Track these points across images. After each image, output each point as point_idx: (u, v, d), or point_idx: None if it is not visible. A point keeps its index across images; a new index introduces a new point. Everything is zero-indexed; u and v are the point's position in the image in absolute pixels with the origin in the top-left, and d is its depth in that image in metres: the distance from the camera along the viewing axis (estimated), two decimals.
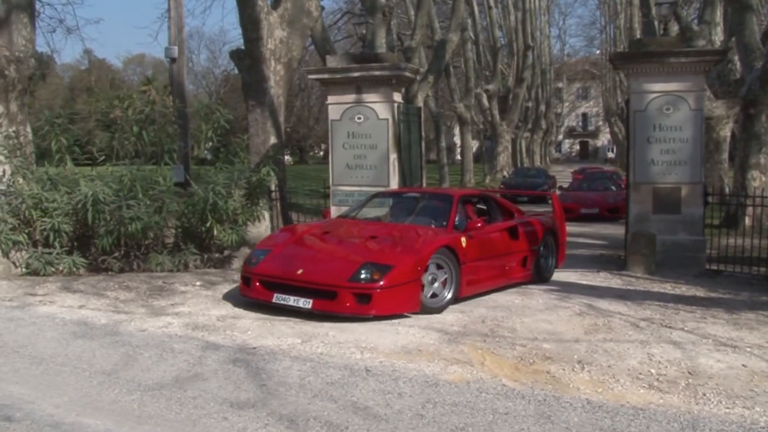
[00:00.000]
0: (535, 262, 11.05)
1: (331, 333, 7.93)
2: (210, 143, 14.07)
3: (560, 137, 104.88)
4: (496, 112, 43.51)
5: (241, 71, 15.65)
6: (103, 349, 7.32)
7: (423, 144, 15.64)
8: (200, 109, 14.13)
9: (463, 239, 9.50)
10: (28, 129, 13.16)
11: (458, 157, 57.04)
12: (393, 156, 13.44)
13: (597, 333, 8.02)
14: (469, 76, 37.96)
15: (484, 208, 11.60)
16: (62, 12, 50.64)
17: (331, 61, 14.07)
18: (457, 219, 10.20)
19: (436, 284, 9.09)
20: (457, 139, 62.08)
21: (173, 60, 17.98)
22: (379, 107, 13.37)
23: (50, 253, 11.37)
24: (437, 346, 7.44)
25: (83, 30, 71.12)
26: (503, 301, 9.69)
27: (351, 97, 13.52)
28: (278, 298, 8.81)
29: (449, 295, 9.17)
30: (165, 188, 12.24)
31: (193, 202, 12.33)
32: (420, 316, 8.77)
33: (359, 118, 13.46)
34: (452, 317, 8.74)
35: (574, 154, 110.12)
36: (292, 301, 8.69)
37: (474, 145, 52.60)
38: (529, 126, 57.62)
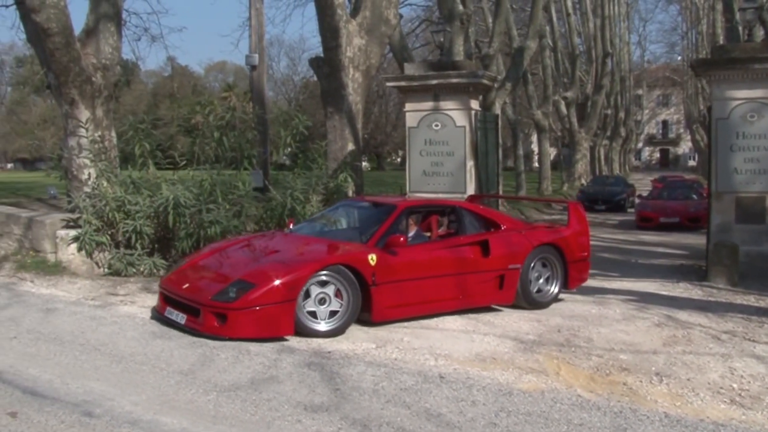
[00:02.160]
0: (521, 284, 9.59)
1: (405, 339, 7.96)
2: (289, 149, 14.22)
3: (640, 145, 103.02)
4: (574, 120, 43.06)
5: (320, 78, 15.82)
6: (180, 349, 7.46)
7: (500, 151, 15.57)
8: (280, 115, 14.34)
9: (372, 256, 8.34)
10: (113, 134, 13.53)
11: (536, 164, 56.55)
12: (470, 163, 13.43)
13: (676, 345, 7.86)
14: (547, 83, 37.63)
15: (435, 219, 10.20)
16: (147, 21, 52.25)
17: (409, 69, 14.14)
18: (402, 232, 9.19)
19: (323, 306, 8.09)
20: (535, 147, 61.61)
21: (254, 67, 18.24)
22: (457, 114, 13.38)
23: (132, 255, 11.61)
24: (512, 355, 7.40)
25: (167, 38, 73.02)
26: (580, 311, 9.57)
27: (428, 105, 13.56)
28: (168, 312, 8.45)
29: (334, 324, 8.07)
30: (244, 193, 12.43)
31: (271, 206, 12.50)
32: (496, 323, 8.75)
33: (437, 126, 13.48)
34: (527, 326, 8.68)
35: (654, 162, 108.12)
36: (174, 315, 8.32)
37: (552, 152, 52.12)
38: (608, 133, 56.73)
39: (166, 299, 8.66)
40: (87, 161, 12.74)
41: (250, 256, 8.96)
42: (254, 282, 7.86)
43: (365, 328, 8.35)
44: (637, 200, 26.82)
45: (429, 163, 13.63)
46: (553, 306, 9.85)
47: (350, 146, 15.22)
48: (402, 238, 8.73)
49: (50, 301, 9.78)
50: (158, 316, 8.73)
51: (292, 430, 5.38)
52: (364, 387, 6.34)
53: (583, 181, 41.38)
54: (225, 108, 14.35)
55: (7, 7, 17.76)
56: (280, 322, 7.79)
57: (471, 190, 13.40)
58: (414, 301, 8.73)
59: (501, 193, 19.69)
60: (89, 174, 12.72)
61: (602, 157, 56.17)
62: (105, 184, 12.11)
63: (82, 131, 12.78)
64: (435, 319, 8.87)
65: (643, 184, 44.34)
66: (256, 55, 18.04)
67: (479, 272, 9.29)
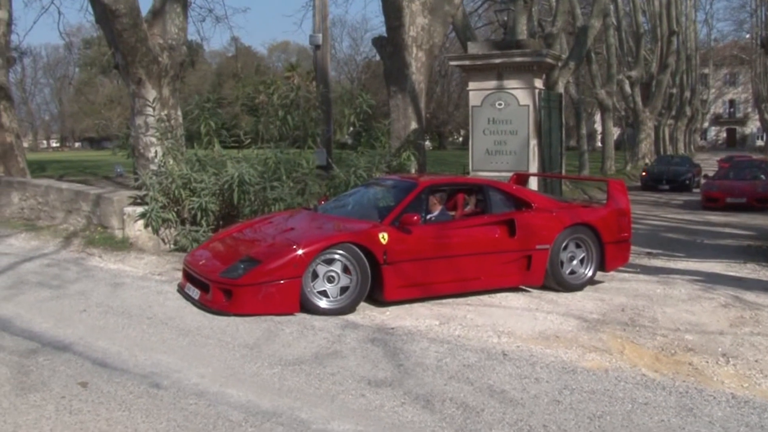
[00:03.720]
0: (551, 265, 9.27)
1: (468, 316, 7.98)
2: (352, 128, 14.25)
3: (706, 124, 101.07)
4: (638, 99, 42.43)
5: (383, 58, 15.84)
6: (246, 323, 7.56)
7: (563, 131, 15.44)
8: (343, 94, 14.36)
9: (384, 235, 8.27)
10: (179, 113, 13.73)
11: (599, 144, 55.89)
12: (533, 142, 13.35)
13: (743, 326, 7.74)
14: (611, 62, 37.12)
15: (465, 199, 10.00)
16: (212, 2, 53.00)
17: (473, 48, 14.08)
18: (422, 210, 9.05)
19: (331, 285, 8.10)
20: (598, 126, 60.88)
21: (317, 47, 18.28)
22: (520, 93, 13.29)
23: (197, 231, 11.71)
24: (575, 333, 7.37)
25: (231, 19, 73.87)
26: (644, 290, 9.44)
27: (492, 84, 13.49)
28: (188, 288, 8.71)
29: (342, 303, 8.07)
30: (308, 171, 12.49)
31: (334, 184, 12.57)
32: (559, 302, 8.72)
33: (500, 105, 13.41)
34: (591, 305, 8.61)
35: (720, 141, 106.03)
36: (191, 291, 8.57)
37: (616, 132, 51.45)
38: (673, 113, 55.75)
39: (187, 275, 8.87)
40: (153, 139, 12.98)
41: (267, 234, 9.01)
42: (260, 259, 8.01)
43: (428, 305, 8.41)
44: (702, 180, 26.36)
45: (492, 141, 13.58)
46: (617, 285, 9.74)
47: (413, 125, 15.23)
48: (416, 217, 8.55)
49: (118, 276, 10.00)
50: (181, 291, 8.94)
51: (355, 403, 5.45)
52: (428, 363, 6.38)
53: (648, 161, 40.76)
54: (289, 87, 14.44)
55: None
56: (284, 299, 7.91)
57: (534, 168, 13.32)
58: (429, 281, 8.60)
59: (564, 173, 19.55)
60: (156, 152, 12.94)
61: (667, 137, 55.30)
62: (171, 162, 12.28)
63: (149, 110, 13.01)
64: (498, 297, 8.89)
65: (709, 164, 43.50)
66: (320, 35, 18.08)
67: (503, 252, 9.04)
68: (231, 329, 7.38)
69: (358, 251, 8.14)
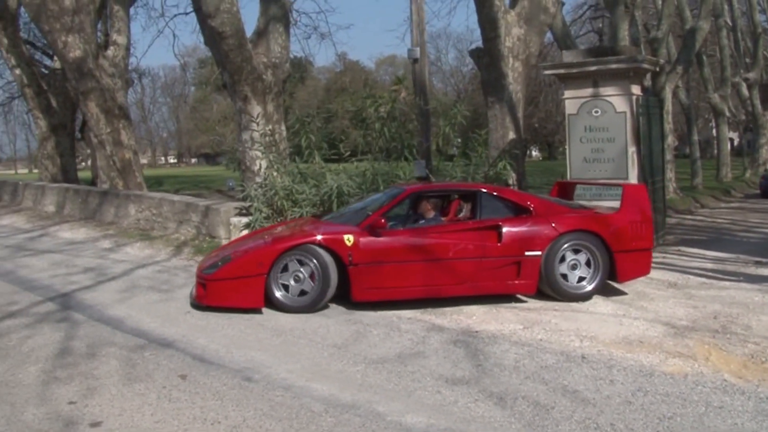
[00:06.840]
0: (546, 273, 8.93)
1: (553, 321, 8.11)
2: (459, 139, 14.45)
3: None
4: (757, 102, 41.05)
5: (480, 69, 16.03)
6: (337, 326, 8.00)
7: (669, 137, 15.24)
8: (438, 106, 14.63)
9: (349, 237, 8.61)
10: (283, 127, 14.33)
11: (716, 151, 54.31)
12: (631, 149, 13.26)
13: None
14: (725, 64, 36.15)
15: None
16: (316, 20, 55.03)
17: (568, 56, 14.10)
18: (403, 216, 9.67)
19: (296, 283, 8.64)
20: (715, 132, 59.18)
21: (415, 60, 18.61)
22: (617, 100, 13.22)
23: None
24: (660, 339, 7.36)
25: (335, 35, 76.02)
26: (741, 298, 9.22)
27: (588, 91, 13.45)
28: (195, 286, 9.35)
29: (305, 301, 8.61)
30: (405, 182, 12.79)
31: None
32: (649, 308, 8.66)
33: (596, 112, 13.38)
34: (682, 311, 8.52)
35: None
36: (194, 287, 9.41)
37: (735, 138, 49.84)
38: None
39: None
40: (259, 153, 13.56)
41: (260, 237, 9.57)
42: (233, 257, 8.76)
43: (516, 310, 8.57)
44: None
45: (589, 149, 13.54)
46: (714, 293, 9.53)
47: (511, 135, 15.33)
48: (383, 221, 8.85)
49: None
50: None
51: (431, 399, 5.72)
52: (506, 364, 6.58)
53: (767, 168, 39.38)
54: (385, 100, 14.82)
55: (186, 14, 19.03)
56: (249, 294, 8.56)
57: (633, 176, 13.23)
58: (403, 284, 8.72)
59: (673, 181, 19.26)
60: (260, 165, 13.51)
61: None
62: (275, 174, 12.80)
63: (254, 125, 13.59)
64: (587, 303, 8.93)
65: None
66: (418, 49, 18.35)
67: (485, 258, 8.86)
68: (322, 330, 7.81)
69: (320, 252, 8.62)
